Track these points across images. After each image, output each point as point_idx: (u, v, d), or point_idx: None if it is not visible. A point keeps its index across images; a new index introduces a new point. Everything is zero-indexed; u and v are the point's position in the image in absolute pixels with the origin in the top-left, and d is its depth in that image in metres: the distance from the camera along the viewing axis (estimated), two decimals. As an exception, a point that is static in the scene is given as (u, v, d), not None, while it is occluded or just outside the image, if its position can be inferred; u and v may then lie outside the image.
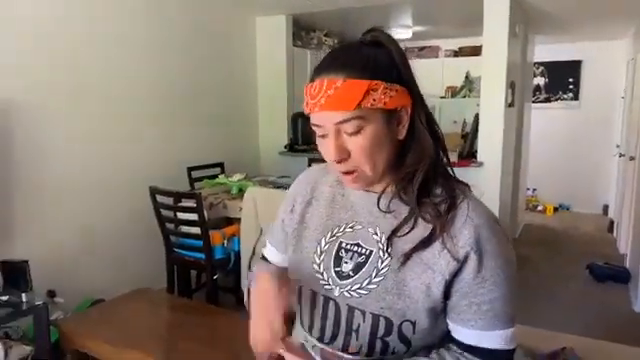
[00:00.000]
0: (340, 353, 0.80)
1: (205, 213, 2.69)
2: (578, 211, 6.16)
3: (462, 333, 0.76)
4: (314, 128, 0.76)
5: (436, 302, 0.75)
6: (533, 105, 5.85)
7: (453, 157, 3.61)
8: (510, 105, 3.87)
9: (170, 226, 2.87)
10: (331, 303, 0.80)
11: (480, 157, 3.70)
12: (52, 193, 2.68)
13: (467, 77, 5.68)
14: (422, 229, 0.76)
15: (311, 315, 0.83)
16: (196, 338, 2.17)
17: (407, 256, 0.75)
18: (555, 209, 6.17)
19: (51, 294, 2.53)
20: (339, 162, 0.75)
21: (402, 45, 0.78)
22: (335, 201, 0.87)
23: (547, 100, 6.23)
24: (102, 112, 2.95)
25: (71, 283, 2.63)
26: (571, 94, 6.11)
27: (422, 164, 0.76)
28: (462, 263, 0.73)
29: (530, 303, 3.33)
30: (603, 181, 5.97)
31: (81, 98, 2.82)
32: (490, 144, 3.67)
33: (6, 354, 2.14)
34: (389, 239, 0.77)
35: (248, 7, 4.14)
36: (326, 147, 0.76)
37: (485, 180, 3.61)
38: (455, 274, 0.74)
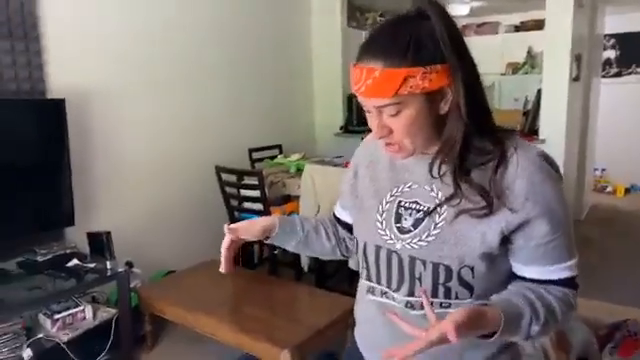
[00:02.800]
0: (405, 309, 0.87)
1: (266, 191, 2.83)
2: (653, 192, 5.78)
3: (530, 271, 0.83)
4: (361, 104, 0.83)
5: (492, 248, 0.80)
6: (603, 80, 5.51)
7: (513, 134, 3.53)
8: (575, 79, 3.70)
9: (234, 202, 3.04)
10: (394, 255, 0.87)
11: (542, 134, 3.58)
12: (127, 174, 2.91)
13: (529, 52, 5.45)
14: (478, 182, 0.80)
15: (377, 267, 0.90)
16: (259, 305, 2.32)
17: (462, 212, 0.80)
18: (627, 190, 5.82)
19: (129, 264, 2.78)
20: (381, 137, 0.82)
21: (459, 22, 0.80)
22: (393, 164, 0.93)
23: (618, 74, 5.85)
24: (172, 98, 3.16)
25: (145, 255, 2.85)
26: (646, 67, 5.70)
27: (457, 138, 0.79)
28: (520, 212, 0.78)
29: (596, 284, 3.22)
30: (682, 160, 5.56)
31: (154, 85, 3.03)
32: (553, 120, 3.54)
33: (94, 315, 2.39)
34: (443, 203, 0.83)
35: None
36: (370, 124, 0.84)
37: (547, 158, 3.49)
38: (514, 222, 0.79)
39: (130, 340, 2.43)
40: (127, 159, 2.91)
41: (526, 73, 5.48)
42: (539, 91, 3.66)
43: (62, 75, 2.54)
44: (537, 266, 0.82)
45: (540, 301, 0.79)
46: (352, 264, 2.59)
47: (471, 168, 0.81)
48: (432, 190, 0.85)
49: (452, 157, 0.80)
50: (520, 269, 0.84)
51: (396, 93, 0.75)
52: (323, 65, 4.46)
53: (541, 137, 3.57)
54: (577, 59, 3.67)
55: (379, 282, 0.91)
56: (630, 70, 5.80)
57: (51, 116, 2.40)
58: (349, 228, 1.05)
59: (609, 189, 5.86)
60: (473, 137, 0.80)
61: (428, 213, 0.84)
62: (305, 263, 3.02)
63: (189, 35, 3.26)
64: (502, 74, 5.72)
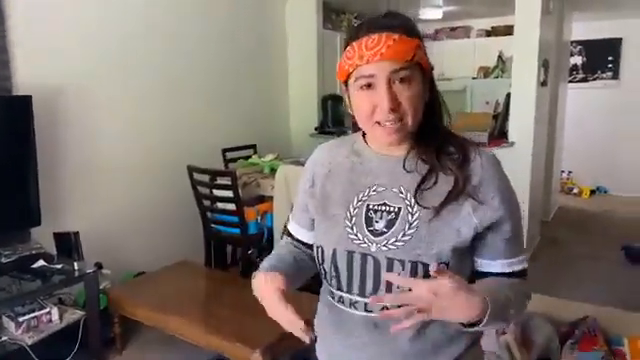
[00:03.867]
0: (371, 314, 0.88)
1: (239, 191, 2.82)
2: (617, 194, 5.99)
3: (495, 265, 0.89)
4: (361, 80, 0.83)
5: (465, 242, 0.85)
6: (570, 85, 5.69)
7: (483, 137, 3.61)
8: (543, 84, 3.81)
9: (207, 203, 3.01)
10: (369, 258, 0.86)
11: (511, 137, 3.67)
12: (96, 173, 2.85)
13: (500, 57, 5.58)
14: (444, 183, 0.85)
15: (349, 273, 0.89)
16: (230, 306, 2.31)
17: (437, 210, 0.84)
18: (592, 192, 6.02)
19: (98, 266, 2.72)
20: (391, 110, 0.82)
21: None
22: (354, 169, 0.94)
23: (584, 80, 6.05)
24: (144, 97, 3.11)
25: (115, 257, 2.81)
26: (610, 73, 5.91)
27: (441, 125, 0.90)
28: (488, 207, 0.84)
29: (560, 282, 3.33)
30: (644, 163, 5.78)
31: (126, 84, 2.98)
32: (521, 123, 3.63)
33: (61, 318, 2.34)
34: (415, 194, 0.86)
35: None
36: (375, 96, 0.83)
37: (516, 160, 3.58)
38: (487, 220, 0.85)
39: (98, 342, 2.39)
40: (97, 158, 2.86)
41: (497, 77, 5.61)
42: (508, 95, 3.76)
43: (29, 71, 2.47)
44: (501, 259, 0.89)
45: (511, 288, 0.86)
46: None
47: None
48: (400, 192, 0.87)
49: (432, 147, 0.87)
50: (486, 265, 0.89)
51: (413, 57, 0.82)
52: (299, 66, 4.47)
53: (510, 140, 3.66)
54: (544, 64, 3.78)
55: (350, 291, 0.89)
56: (596, 76, 6.00)
57: (17, 113, 2.33)
58: (306, 246, 1.04)
59: (575, 191, 6.05)
60: (445, 141, 0.88)
61: (399, 213, 0.86)
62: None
63: (164, 33, 3.22)
64: (474, 78, 5.84)
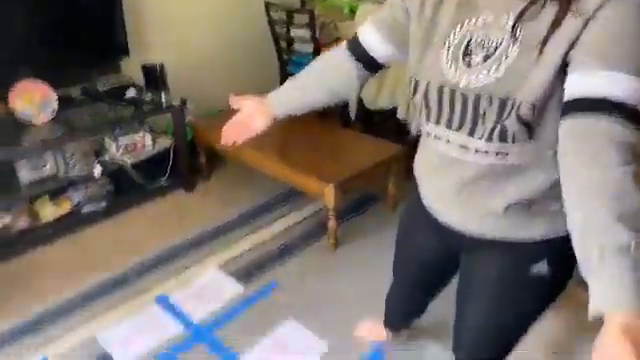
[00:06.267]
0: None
1: (317, 32, 2.71)
2: None
3: (584, 85, 0.70)
4: None
5: (560, 77, 0.73)
6: None
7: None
8: None
9: (283, 44, 2.95)
10: (458, 93, 0.83)
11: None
12: (180, 9, 2.82)
13: None
14: (550, 11, 0.73)
15: (439, 107, 0.87)
16: (306, 145, 2.41)
17: (540, 45, 0.73)
18: None
19: (183, 101, 2.85)
20: None
21: None
22: None
23: None
24: None
25: (196, 95, 2.89)
26: None
27: None
28: (588, 19, 0.69)
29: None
30: None
31: None
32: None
33: (153, 143, 2.55)
34: (514, 26, 0.76)
35: None
36: None
37: None
38: (580, 32, 0.70)
39: (187, 169, 2.62)
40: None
41: None
42: None
43: None
44: (594, 70, 0.68)
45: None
46: (400, 113, 2.55)
47: None
48: (506, 23, 0.77)
49: None
50: (575, 87, 0.71)
51: None
52: None
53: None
54: None
55: (438, 122, 0.88)
56: None
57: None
58: (371, 63, 1.04)
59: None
60: None
61: (499, 46, 0.78)
62: (352, 111, 3.00)
63: None
64: None
